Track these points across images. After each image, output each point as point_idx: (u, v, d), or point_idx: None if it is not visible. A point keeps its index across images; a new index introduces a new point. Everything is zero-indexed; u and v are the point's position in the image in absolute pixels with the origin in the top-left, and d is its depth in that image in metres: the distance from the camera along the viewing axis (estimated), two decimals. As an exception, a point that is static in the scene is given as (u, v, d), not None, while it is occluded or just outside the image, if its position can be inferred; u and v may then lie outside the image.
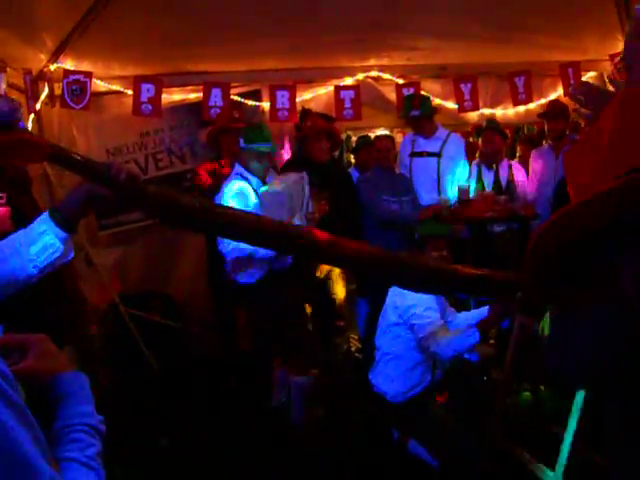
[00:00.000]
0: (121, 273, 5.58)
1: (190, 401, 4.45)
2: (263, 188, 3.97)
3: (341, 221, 4.43)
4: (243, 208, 3.56)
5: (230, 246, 3.79)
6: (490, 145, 5.19)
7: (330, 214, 4.33)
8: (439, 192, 5.12)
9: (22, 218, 2.62)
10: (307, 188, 4.07)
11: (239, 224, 1.78)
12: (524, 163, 5.66)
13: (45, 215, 1.66)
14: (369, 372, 3.67)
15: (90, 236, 5.33)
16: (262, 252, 3.72)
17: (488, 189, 5.14)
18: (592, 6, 4.56)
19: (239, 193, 3.94)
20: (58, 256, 1.66)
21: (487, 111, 5.67)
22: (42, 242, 1.63)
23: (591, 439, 2.98)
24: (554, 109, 5.23)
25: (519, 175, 5.29)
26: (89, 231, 5.33)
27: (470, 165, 5.30)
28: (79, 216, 1.69)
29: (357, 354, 5.26)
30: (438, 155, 5.12)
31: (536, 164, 5.42)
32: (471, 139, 6.41)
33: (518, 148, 6.94)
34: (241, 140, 4.10)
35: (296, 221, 3.84)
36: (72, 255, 1.73)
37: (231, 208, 1.97)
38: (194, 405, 4.40)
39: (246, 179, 4.04)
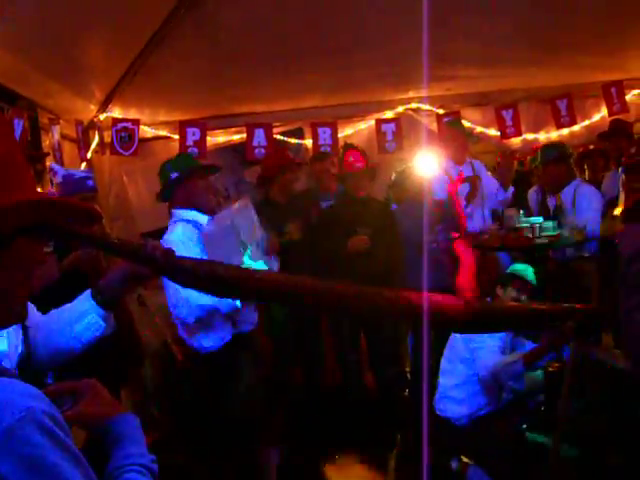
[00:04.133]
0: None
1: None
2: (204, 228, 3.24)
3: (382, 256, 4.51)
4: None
5: (186, 308, 3.08)
6: (547, 177, 5.09)
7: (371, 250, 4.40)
8: (483, 219, 5.09)
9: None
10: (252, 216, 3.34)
11: (279, 287, 1.78)
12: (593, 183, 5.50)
13: (87, 294, 1.74)
14: (433, 400, 3.65)
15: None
16: (227, 307, 3.08)
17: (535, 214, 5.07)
18: (631, 24, 4.51)
19: (185, 241, 3.14)
20: (100, 333, 1.74)
21: (530, 136, 5.62)
22: (85, 321, 1.72)
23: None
24: (615, 128, 5.13)
25: (585, 197, 5.10)
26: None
27: (521, 191, 5.26)
28: (119, 296, 1.77)
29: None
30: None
31: (606, 186, 5.29)
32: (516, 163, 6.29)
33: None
34: (173, 172, 3.32)
35: (253, 250, 3.15)
36: (112, 330, 1.79)
37: (269, 272, 1.94)
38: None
39: (189, 221, 3.25)
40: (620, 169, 4.61)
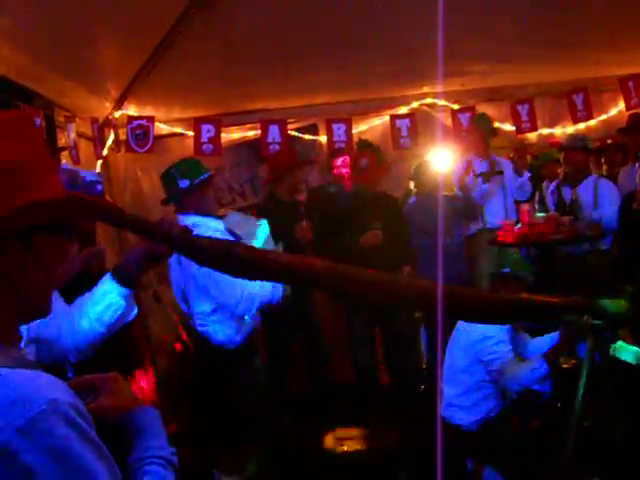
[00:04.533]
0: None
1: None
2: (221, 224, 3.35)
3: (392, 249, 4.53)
4: None
5: (247, 304, 3.13)
6: (569, 165, 5.06)
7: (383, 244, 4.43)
8: (505, 214, 5.08)
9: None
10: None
11: (295, 269, 1.79)
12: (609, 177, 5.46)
13: (108, 276, 1.78)
14: (441, 408, 3.60)
15: (158, 273, 5.47)
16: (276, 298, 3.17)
17: (551, 209, 5.04)
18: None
19: None
20: (122, 312, 1.78)
21: (545, 131, 5.59)
22: (106, 301, 1.76)
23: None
24: (634, 122, 5.07)
25: (606, 191, 5.07)
26: (157, 268, 5.46)
27: (539, 185, 5.23)
28: (139, 273, 1.80)
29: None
30: (488, 175, 5.10)
31: (622, 181, 5.25)
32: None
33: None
34: (182, 180, 3.33)
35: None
36: (135, 311, 1.85)
37: (285, 255, 1.96)
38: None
39: (202, 226, 3.13)
40: (638, 164, 4.59)
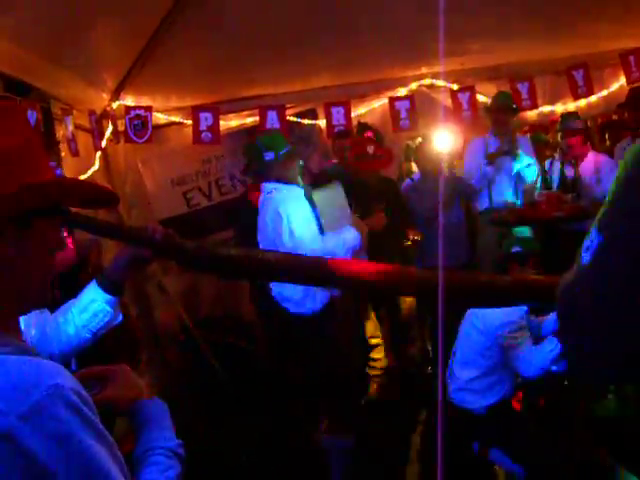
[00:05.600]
0: (193, 298, 5.71)
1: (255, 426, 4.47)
2: (315, 194, 3.64)
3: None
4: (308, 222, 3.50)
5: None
6: (569, 147, 5.08)
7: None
8: (516, 193, 5.07)
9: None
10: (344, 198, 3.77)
11: (281, 267, 1.80)
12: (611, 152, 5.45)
13: (93, 283, 1.80)
14: (449, 390, 3.58)
15: (162, 264, 5.48)
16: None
17: (554, 187, 5.03)
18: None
19: (298, 211, 3.52)
20: (108, 320, 1.80)
21: (546, 108, 5.55)
22: (92, 308, 1.77)
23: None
24: (634, 96, 5.04)
25: (607, 168, 5.07)
26: (160, 260, 5.48)
27: (543, 163, 5.22)
28: (124, 279, 1.82)
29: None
30: (514, 154, 5.08)
31: (618, 156, 5.23)
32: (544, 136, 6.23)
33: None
34: (267, 153, 3.61)
35: (350, 228, 3.60)
36: (121, 317, 1.86)
37: (271, 252, 1.98)
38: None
39: (285, 189, 3.62)
40: (637, 139, 4.57)
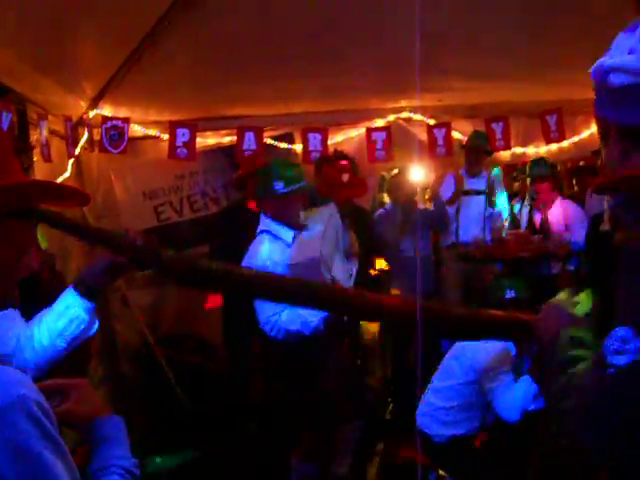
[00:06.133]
0: (156, 314, 5.63)
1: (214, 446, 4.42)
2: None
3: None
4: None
5: (275, 330, 3.21)
6: (538, 193, 5.24)
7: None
8: (483, 231, 5.16)
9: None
10: (338, 221, 3.58)
11: (259, 285, 1.80)
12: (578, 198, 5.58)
13: (70, 289, 1.75)
14: (415, 411, 3.55)
15: (126, 277, 5.40)
16: (309, 330, 3.18)
17: (523, 228, 5.13)
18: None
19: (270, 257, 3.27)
20: (84, 327, 1.74)
21: (519, 150, 5.67)
22: (69, 315, 1.71)
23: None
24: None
25: (572, 213, 5.21)
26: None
27: (512, 203, 5.34)
28: (102, 285, 1.78)
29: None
30: (487, 193, 5.19)
31: (591, 202, 5.35)
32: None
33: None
34: (277, 183, 3.33)
35: (337, 260, 3.41)
36: (96, 327, 1.80)
37: (250, 269, 1.98)
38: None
39: (276, 237, 3.36)
40: None
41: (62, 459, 0.93)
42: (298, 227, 3.38)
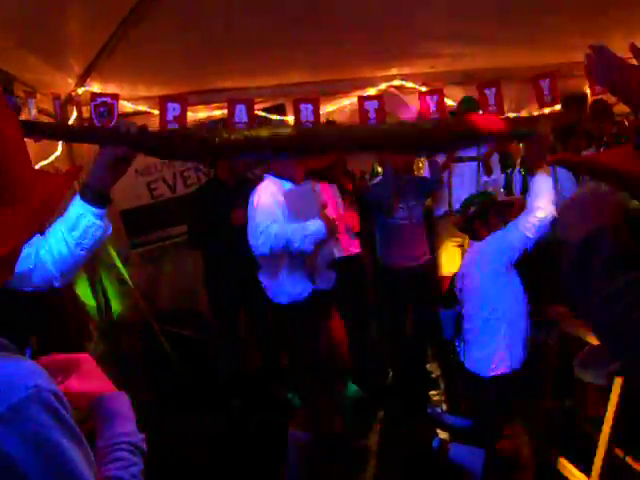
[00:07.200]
0: (153, 290, 5.65)
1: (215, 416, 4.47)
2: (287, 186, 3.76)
3: None
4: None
5: (264, 237, 3.44)
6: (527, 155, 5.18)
7: None
8: None
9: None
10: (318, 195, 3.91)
11: (250, 142, 1.87)
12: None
13: (77, 198, 1.71)
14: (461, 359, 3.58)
15: (122, 255, 5.40)
16: (298, 244, 3.42)
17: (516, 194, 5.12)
18: (615, 5, 4.50)
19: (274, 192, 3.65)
20: (100, 233, 1.73)
21: (512, 115, 5.64)
22: (82, 225, 1.69)
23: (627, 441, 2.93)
24: (596, 109, 5.15)
25: (564, 176, 5.19)
26: (121, 250, 5.41)
27: (508, 171, 5.31)
28: (109, 184, 1.73)
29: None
30: (479, 159, 5.16)
31: None
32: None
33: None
34: None
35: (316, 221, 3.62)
36: (110, 229, 1.78)
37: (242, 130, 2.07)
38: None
39: (278, 179, 3.78)
40: (601, 148, 4.69)
41: (78, 445, 0.93)
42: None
